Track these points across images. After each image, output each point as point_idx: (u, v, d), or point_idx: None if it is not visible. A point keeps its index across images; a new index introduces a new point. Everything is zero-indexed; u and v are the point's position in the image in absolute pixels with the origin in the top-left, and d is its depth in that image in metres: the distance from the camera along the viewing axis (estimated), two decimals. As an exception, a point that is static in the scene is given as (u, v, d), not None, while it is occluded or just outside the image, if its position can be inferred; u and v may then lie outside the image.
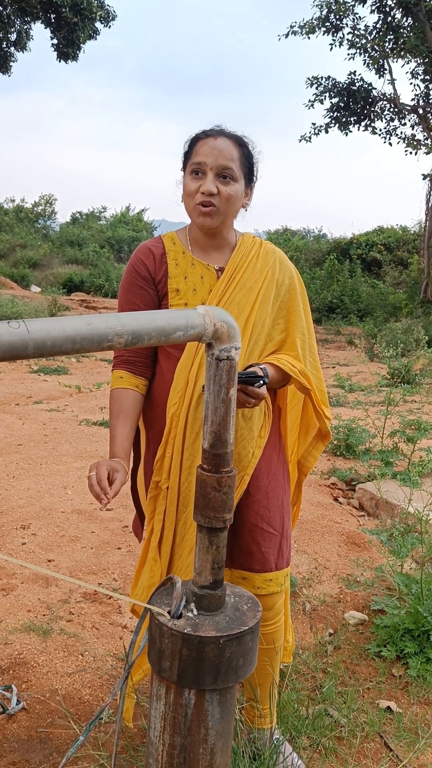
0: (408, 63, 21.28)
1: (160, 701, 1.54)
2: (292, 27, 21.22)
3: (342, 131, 22.57)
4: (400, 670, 3.20)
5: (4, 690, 2.87)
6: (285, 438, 2.52)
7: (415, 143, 21.87)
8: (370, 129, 22.51)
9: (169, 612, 1.54)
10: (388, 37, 20.30)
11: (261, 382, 2.10)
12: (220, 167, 2.20)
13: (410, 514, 4.44)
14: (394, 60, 21.05)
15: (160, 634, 1.52)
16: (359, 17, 20.78)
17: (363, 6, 20.19)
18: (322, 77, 21.85)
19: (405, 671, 3.18)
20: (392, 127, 22.38)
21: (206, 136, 2.25)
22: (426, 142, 21.71)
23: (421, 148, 21.78)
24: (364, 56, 21.25)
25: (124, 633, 3.42)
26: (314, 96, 22.03)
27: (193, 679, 1.49)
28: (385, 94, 21.84)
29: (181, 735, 1.52)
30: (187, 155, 2.30)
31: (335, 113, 22.24)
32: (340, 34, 21.03)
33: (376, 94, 21.77)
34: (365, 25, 21.12)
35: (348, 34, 21.05)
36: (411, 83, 21.99)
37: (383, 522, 5.05)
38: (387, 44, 20.51)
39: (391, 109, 22.06)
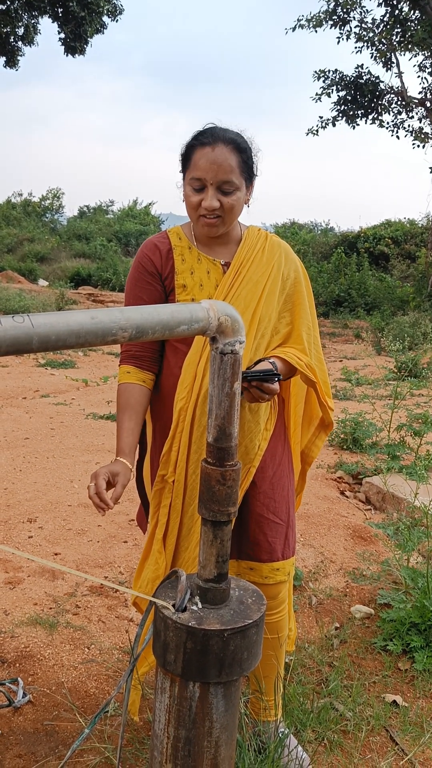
0: (415, 56, 21.30)
1: (165, 694, 1.55)
2: (299, 20, 21.22)
3: (349, 124, 22.58)
4: (406, 664, 3.21)
5: (11, 683, 2.88)
6: (289, 428, 2.52)
7: (422, 136, 21.85)
8: (377, 122, 22.52)
9: (173, 605, 1.54)
10: (396, 30, 20.30)
11: (276, 379, 2.10)
12: (221, 182, 2.17)
13: (417, 507, 4.44)
14: (402, 53, 21.05)
15: (164, 627, 1.52)
16: (366, 10, 20.83)
17: (370, -1, 20.19)
18: (329, 70, 21.88)
19: (411, 665, 3.18)
20: (399, 120, 22.39)
21: (202, 145, 2.18)
22: (433, 135, 21.69)
23: (428, 141, 21.77)
24: (372, 49, 21.26)
25: (130, 626, 3.43)
26: (321, 89, 22.05)
27: (197, 672, 1.49)
28: (392, 87, 21.85)
29: (186, 728, 1.53)
30: (185, 162, 2.25)
31: (342, 106, 22.24)
32: (347, 27, 21.05)
33: (383, 88, 21.77)
34: (372, 19, 21.14)
35: (355, 27, 21.06)
36: (418, 76, 21.96)
37: (390, 516, 5.05)
38: (394, 37, 20.50)
39: (399, 102, 22.05)
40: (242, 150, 2.22)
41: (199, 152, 2.18)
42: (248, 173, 2.26)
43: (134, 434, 2.30)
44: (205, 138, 2.19)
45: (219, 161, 2.16)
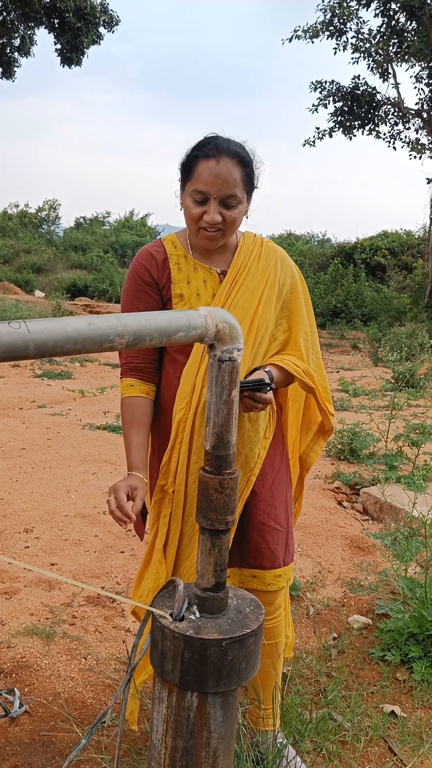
0: (412, 67, 21.36)
1: (163, 704, 1.53)
2: (295, 31, 21.27)
3: (346, 135, 22.63)
4: (404, 674, 3.19)
5: (7, 693, 2.86)
6: (286, 435, 2.51)
7: (419, 147, 21.92)
8: (374, 133, 22.57)
9: (171, 614, 1.53)
10: (392, 41, 20.35)
11: (268, 388, 2.10)
12: (224, 196, 2.15)
13: (414, 517, 4.43)
14: (398, 64, 21.12)
15: (162, 636, 1.51)
16: (363, 21, 20.87)
17: (367, 10, 20.24)
18: (326, 81, 21.93)
19: (409, 675, 3.17)
20: (396, 131, 22.45)
21: (206, 157, 2.15)
22: (430, 146, 21.75)
23: (425, 152, 21.84)
24: (368, 60, 21.32)
25: (127, 636, 3.41)
26: (318, 100, 22.12)
27: (195, 682, 1.48)
28: (389, 98, 21.92)
29: (184, 738, 1.51)
30: (186, 172, 2.22)
31: (339, 117, 22.29)
32: (344, 38, 21.11)
33: (380, 98, 21.84)
34: (369, 29, 21.22)
35: (352, 38, 21.13)
36: (415, 87, 22.01)
37: (387, 526, 5.04)
38: (391, 48, 20.55)
39: (395, 113, 22.11)
40: (246, 163, 2.20)
41: (202, 164, 2.15)
42: (250, 186, 2.25)
43: (144, 448, 2.29)
44: (209, 150, 2.15)
45: (224, 175, 2.13)
